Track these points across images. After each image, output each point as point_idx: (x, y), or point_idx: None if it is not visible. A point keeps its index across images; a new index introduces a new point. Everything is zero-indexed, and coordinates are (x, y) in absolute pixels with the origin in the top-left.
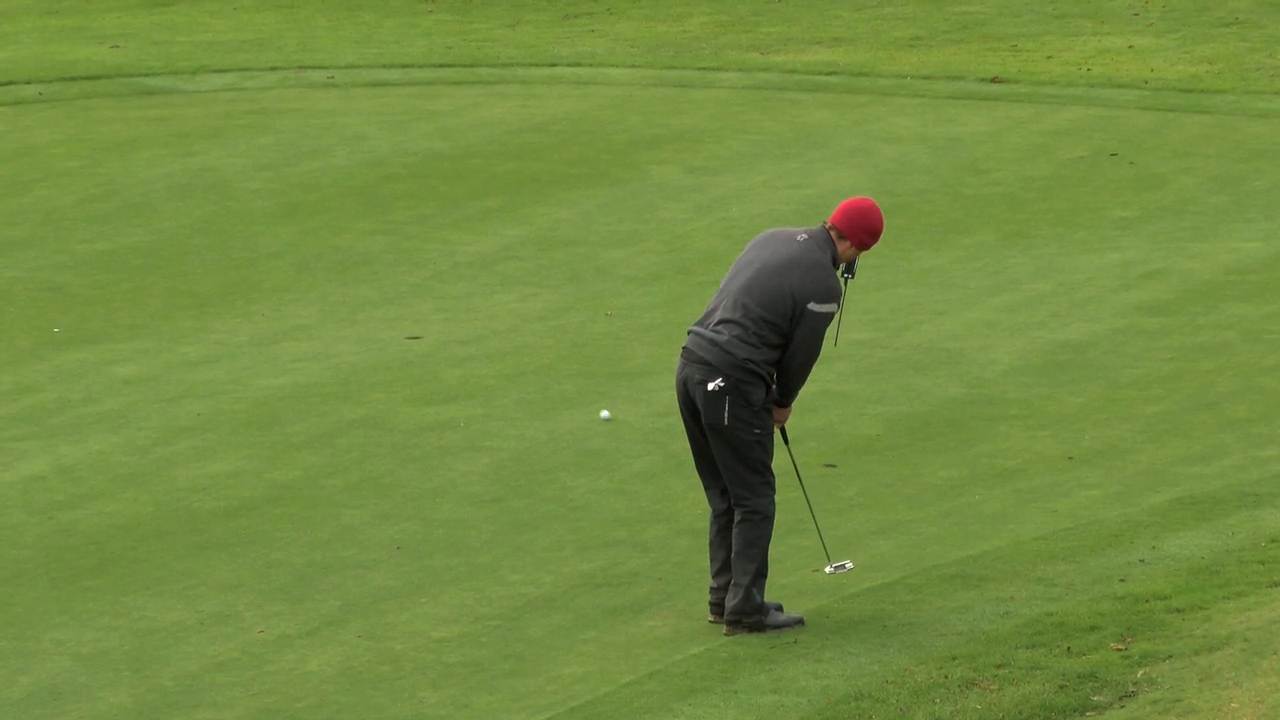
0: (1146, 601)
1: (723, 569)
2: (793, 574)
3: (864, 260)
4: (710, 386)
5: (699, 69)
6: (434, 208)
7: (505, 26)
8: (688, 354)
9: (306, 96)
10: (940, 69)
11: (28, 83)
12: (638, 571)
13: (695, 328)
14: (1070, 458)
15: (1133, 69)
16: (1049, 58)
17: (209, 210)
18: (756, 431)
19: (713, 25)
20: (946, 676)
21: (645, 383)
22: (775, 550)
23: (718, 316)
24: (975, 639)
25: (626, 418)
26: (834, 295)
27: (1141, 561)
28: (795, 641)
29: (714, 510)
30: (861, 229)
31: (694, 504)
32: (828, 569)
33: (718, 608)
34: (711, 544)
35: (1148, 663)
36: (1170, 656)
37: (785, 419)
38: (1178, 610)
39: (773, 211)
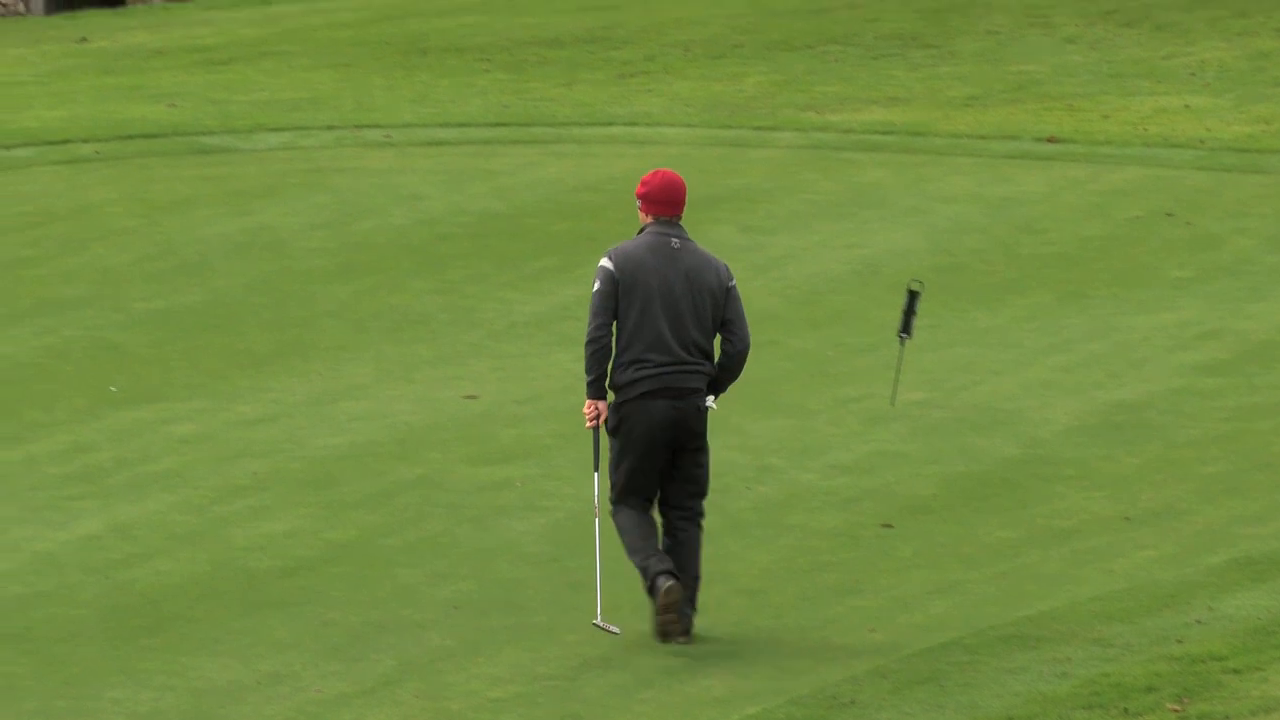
0: (1203, 662)
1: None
2: (849, 634)
3: (920, 320)
4: (710, 404)
5: (755, 128)
6: (490, 267)
7: (561, 85)
8: (675, 392)
9: (363, 155)
10: (996, 129)
11: (85, 141)
12: (694, 631)
13: (670, 368)
14: (1127, 518)
15: (1189, 129)
16: (1105, 117)
17: (265, 269)
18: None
19: (769, 85)
20: None
21: None
22: (831, 610)
23: (679, 355)
24: (1032, 700)
25: None
26: (729, 267)
27: (1198, 622)
28: (853, 702)
29: (648, 513)
30: (684, 199)
31: (750, 564)
32: (598, 621)
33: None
34: (652, 547)
35: None
36: (1227, 717)
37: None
38: (1235, 671)
39: (828, 271)
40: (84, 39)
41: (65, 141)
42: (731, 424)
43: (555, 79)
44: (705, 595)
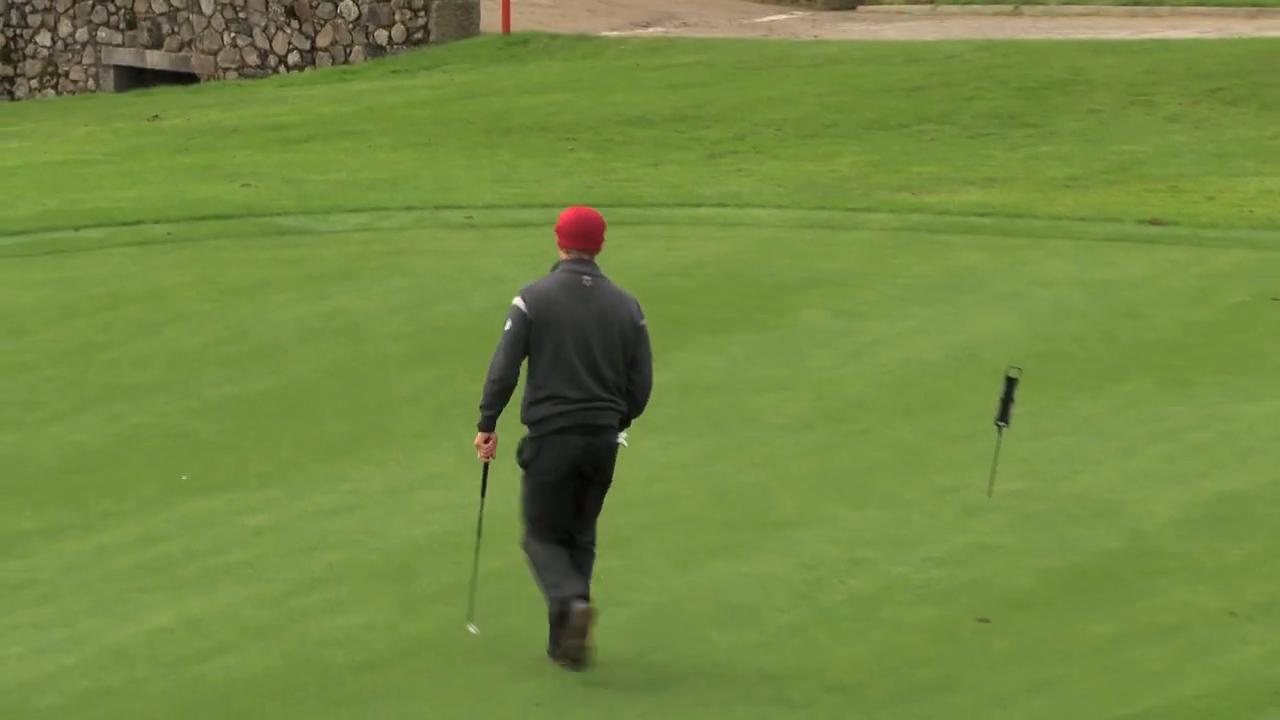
0: None
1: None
2: None
3: (1019, 408)
4: (621, 440)
5: (848, 210)
6: None
7: (648, 166)
8: (588, 429)
9: (443, 237)
10: (1097, 210)
11: (156, 222)
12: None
13: (584, 404)
14: (1232, 613)
15: None
16: (1210, 199)
17: (342, 354)
18: None
19: (862, 165)
20: None
21: (793, 534)
22: (925, 707)
23: (593, 392)
24: None
25: (773, 570)
26: (640, 304)
27: None
28: None
29: (559, 545)
30: (600, 235)
31: (842, 659)
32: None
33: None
34: (563, 571)
35: None
36: None
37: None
38: None
39: (923, 357)
40: (156, 117)
41: (137, 222)
42: (824, 514)
43: (642, 159)
44: (795, 691)
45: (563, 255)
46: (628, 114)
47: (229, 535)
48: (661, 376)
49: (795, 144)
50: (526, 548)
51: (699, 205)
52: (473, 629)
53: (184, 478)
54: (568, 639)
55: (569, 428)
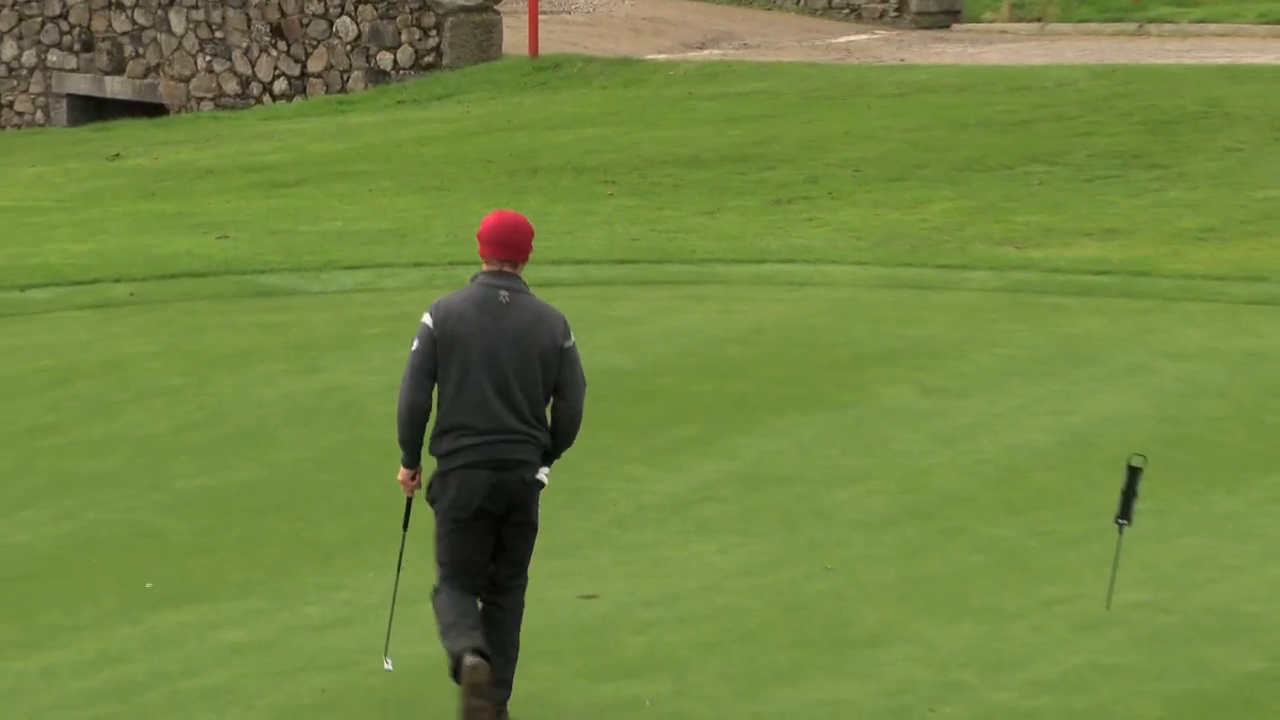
0: None
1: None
2: None
3: (1142, 504)
4: (541, 477)
5: (940, 267)
6: (614, 437)
7: (703, 214)
8: (498, 463)
9: None
10: (1237, 267)
11: (117, 281)
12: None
13: (494, 437)
14: None
15: None
16: None
17: (337, 439)
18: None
19: (957, 213)
20: None
21: (875, 654)
22: None
23: (505, 423)
24: None
25: (852, 697)
26: (567, 322)
27: None
28: None
29: (472, 597)
30: (526, 243)
31: None
32: (386, 664)
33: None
34: (465, 626)
35: None
36: None
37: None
38: None
39: (1029, 443)
40: (117, 155)
41: (94, 281)
42: (911, 630)
43: (695, 206)
44: None
45: (484, 266)
46: (678, 153)
47: (203, 654)
48: (720, 465)
49: (877, 188)
50: (434, 600)
51: (762, 261)
52: (388, 664)
53: (149, 586)
54: (462, 697)
55: (477, 462)
